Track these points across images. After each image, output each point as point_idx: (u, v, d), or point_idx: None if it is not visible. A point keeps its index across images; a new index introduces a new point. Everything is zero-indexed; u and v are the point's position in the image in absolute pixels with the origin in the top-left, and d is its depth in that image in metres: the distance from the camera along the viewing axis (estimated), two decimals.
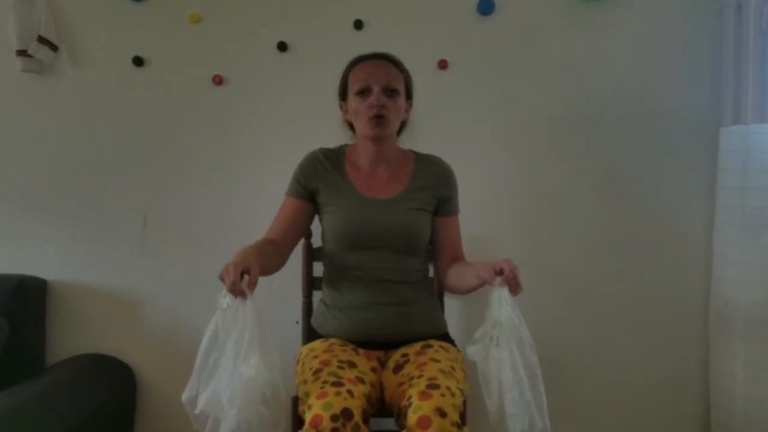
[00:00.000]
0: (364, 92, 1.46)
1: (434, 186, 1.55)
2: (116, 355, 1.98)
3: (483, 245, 1.77)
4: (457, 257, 1.58)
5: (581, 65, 1.91)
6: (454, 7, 1.89)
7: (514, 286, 1.27)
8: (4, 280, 1.84)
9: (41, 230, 1.98)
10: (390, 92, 1.47)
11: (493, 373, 1.23)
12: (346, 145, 1.61)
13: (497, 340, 1.22)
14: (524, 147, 1.93)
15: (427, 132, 1.70)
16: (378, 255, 1.50)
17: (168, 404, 2.00)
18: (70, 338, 1.98)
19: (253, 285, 1.20)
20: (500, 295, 1.26)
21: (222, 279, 1.19)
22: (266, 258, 1.36)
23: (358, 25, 1.88)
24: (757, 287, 1.76)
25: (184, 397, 1.19)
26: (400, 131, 1.59)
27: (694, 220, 1.93)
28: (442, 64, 1.89)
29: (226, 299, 1.19)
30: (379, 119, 1.45)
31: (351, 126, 1.58)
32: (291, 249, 1.54)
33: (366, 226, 1.48)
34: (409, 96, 1.55)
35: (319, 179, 1.54)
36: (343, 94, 1.55)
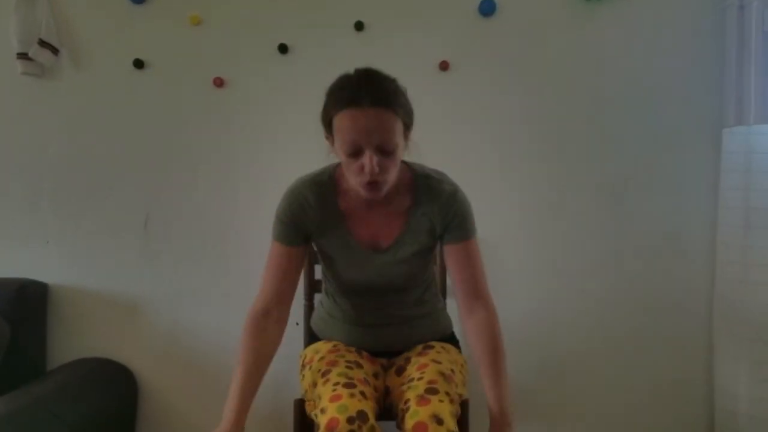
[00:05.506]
0: (355, 153, 1.22)
1: (435, 221, 1.38)
2: (117, 359, 1.97)
3: (486, 248, 1.75)
4: (475, 292, 1.37)
5: (583, 66, 1.90)
6: (456, 8, 1.88)
7: None
8: (6, 284, 1.83)
9: (42, 234, 1.97)
10: (385, 152, 1.22)
11: None
12: (334, 170, 1.39)
13: None
14: (526, 147, 1.92)
15: (427, 133, 1.68)
16: (379, 293, 1.43)
17: (169, 407, 1.99)
18: (71, 342, 1.98)
19: None
20: None
21: None
22: (257, 380, 1.28)
23: (359, 26, 1.88)
24: (760, 288, 1.75)
25: None
26: None
27: (697, 221, 1.92)
28: (444, 65, 1.88)
29: None
30: (373, 185, 1.24)
31: None
32: (291, 301, 1.38)
33: (369, 280, 1.40)
34: (408, 126, 1.29)
35: (311, 224, 1.36)
36: (328, 127, 1.26)
